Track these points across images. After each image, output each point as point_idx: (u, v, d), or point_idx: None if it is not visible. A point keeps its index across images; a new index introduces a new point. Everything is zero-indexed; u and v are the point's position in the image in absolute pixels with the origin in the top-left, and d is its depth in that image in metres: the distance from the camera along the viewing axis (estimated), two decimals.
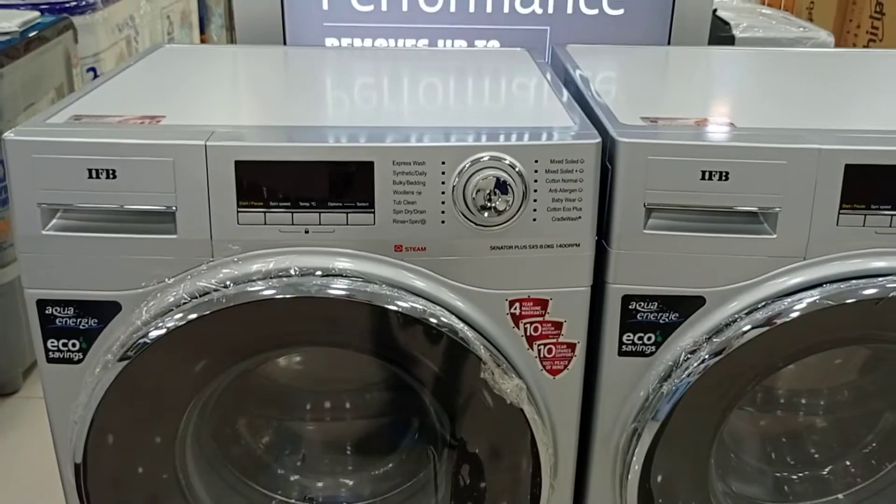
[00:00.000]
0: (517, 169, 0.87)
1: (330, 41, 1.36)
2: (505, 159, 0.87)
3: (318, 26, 1.34)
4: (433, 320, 0.88)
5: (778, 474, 1.13)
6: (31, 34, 1.78)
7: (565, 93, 1.06)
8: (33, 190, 0.85)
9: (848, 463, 1.13)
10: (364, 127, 0.93)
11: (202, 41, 3.12)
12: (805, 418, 1.16)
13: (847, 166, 0.89)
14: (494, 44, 1.37)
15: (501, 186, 0.86)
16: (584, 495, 1.03)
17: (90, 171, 0.85)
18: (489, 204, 0.86)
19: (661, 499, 0.98)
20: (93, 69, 2.21)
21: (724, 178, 0.89)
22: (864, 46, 2.98)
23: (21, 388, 1.79)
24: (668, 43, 1.37)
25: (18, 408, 1.75)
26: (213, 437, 1.02)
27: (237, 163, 0.85)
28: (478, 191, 0.86)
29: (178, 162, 0.85)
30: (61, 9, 2.05)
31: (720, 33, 1.90)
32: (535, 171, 0.88)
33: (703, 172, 0.89)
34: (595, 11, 1.35)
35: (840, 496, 1.11)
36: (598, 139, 0.89)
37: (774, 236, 0.91)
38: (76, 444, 0.90)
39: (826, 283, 0.92)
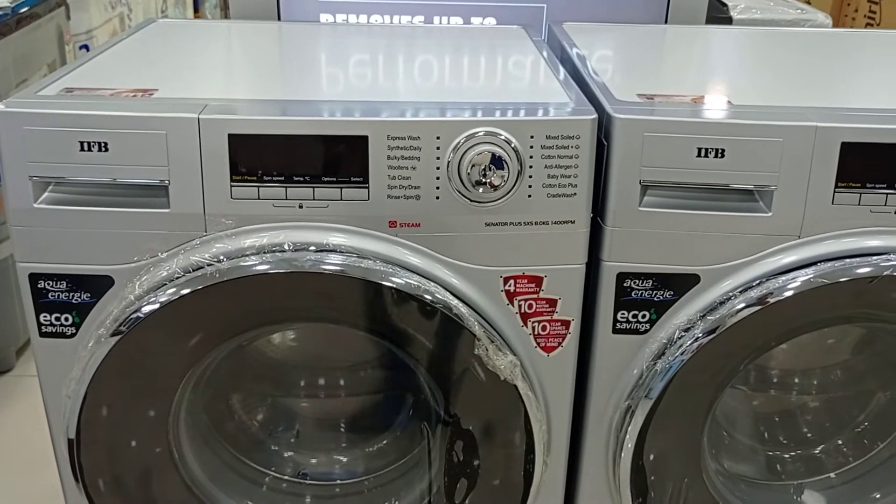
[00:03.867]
0: (512, 144, 0.87)
1: (324, 17, 1.35)
2: (500, 135, 0.87)
3: (313, 2, 1.33)
4: (427, 297, 0.88)
5: (770, 453, 1.14)
6: (22, 10, 1.76)
7: (561, 70, 1.06)
8: (24, 163, 0.85)
9: (840, 442, 1.13)
10: (359, 101, 0.93)
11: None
12: (797, 398, 1.16)
13: (843, 144, 0.88)
14: (491, 21, 1.36)
15: (497, 162, 0.86)
16: (578, 472, 1.03)
17: (82, 143, 0.84)
18: (484, 179, 0.86)
19: (654, 476, 0.98)
20: (85, 46, 2.19)
21: (720, 155, 0.89)
22: None
23: (14, 366, 1.79)
24: (666, 22, 1.36)
25: (12, 386, 1.74)
26: (206, 413, 1.02)
27: (230, 136, 0.84)
28: (473, 166, 0.86)
29: (170, 135, 0.84)
30: None
31: (717, 14, 1.89)
32: (531, 147, 0.88)
33: (699, 149, 0.89)
34: None
35: (832, 475, 1.12)
36: (595, 115, 0.89)
37: (769, 214, 0.91)
38: (69, 419, 0.90)
39: (820, 261, 0.92)
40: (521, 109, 0.91)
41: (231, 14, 1.34)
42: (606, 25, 1.32)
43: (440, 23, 1.36)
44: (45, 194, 0.86)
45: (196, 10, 3.07)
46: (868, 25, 2.98)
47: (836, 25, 2.68)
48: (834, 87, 1.07)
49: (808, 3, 3.07)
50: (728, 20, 1.95)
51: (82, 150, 0.84)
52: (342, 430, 1.12)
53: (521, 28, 1.28)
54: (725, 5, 2.01)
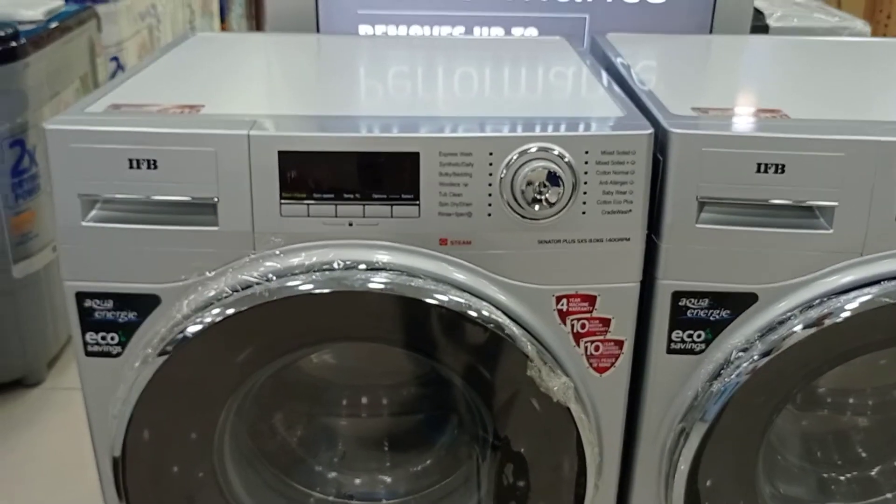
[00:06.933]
0: (566, 160, 0.85)
1: (364, 29, 1.33)
2: (553, 150, 0.85)
3: (352, 14, 1.31)
4: (479, 316, 0.86)
5: (825, 475, 1.11)
6: (55, 23, 1.77)
7: (610, 82, 1.03)
8: (73, 180, 0.83)
9: None
10: (408, 117, 0.91)
11: (222, 30, 3.10)
12: (851, 417, 1.13)
13: None
14: (532, 32, 1.35)
15: (552, 178, 0.84)
16: (629, 495, 1.00)
17: (131, 161, 0.83)
18: (540, 196, 0.84)
19: (709, 501, 0.95)
20: (115, 58, 2.20)
21: (779, 171, 0.87)
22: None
23: (46, 378, 1.79)
24: (711, 32, 1.34)
25: (43, 399, 1.74)
26: (250, 434, 1.01)
27: (280, 153, 0.83)
28: (528, 183, 0.84)
29: (220, 152, 0.83)
30: None
31: (754, 22, 1.86)
32: (586, 163, 0.86)
33: (759, 165, 0.86)
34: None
35: (889, 496, 1.08)
36: (651, 130, 0.87)
37: (831, 231, 0.88)
38: (115, 439, 0.89)
39: (883, 280, 0.89)
40: (575, 124, 0.89)
41: (268, 26, 1.32)
42: (650, 36, 1.29)
43: (481, 34, 1.34)
44: (93, 212, 0.85)
45: (222, 20, 3.07)
46: None
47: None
48: (891, 100, 1.05)
49: (839, 7, 3.04)
50: (764, 28, 1.92)
51: (131, 167, 0.83)
52: (386, 449, 1.10)
53: (563, 38, 1.26)
54: (762, 13, 1.98)
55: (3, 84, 1.58)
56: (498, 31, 1.34)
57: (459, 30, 1.33)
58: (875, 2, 3.02)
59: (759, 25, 1.88)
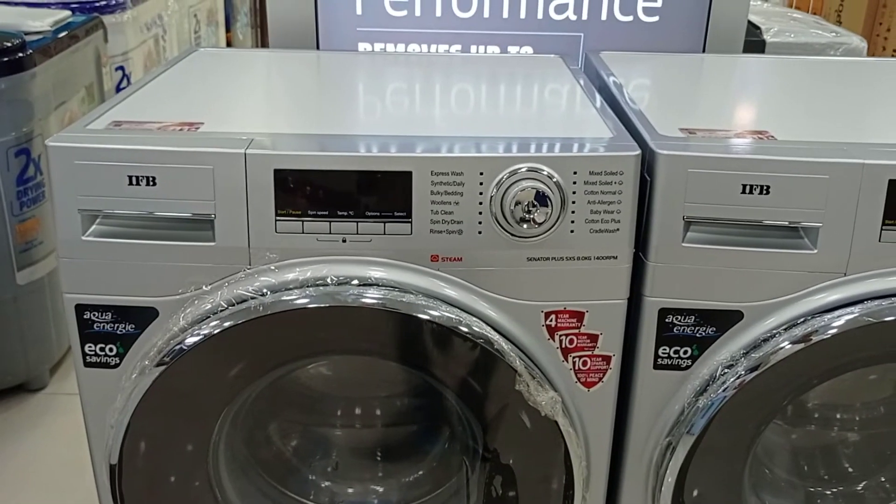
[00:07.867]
0: (555, 180, 0.87)
1: (363, 46, 1.36)
2: (543, 170, 0.87)
3: (352, 31, 1.34)
4: (468, 331, 0.88)
5: (812, 489, 1.12)
6: (62, 34, 1.79)
7: (601, 102, 1.05)
8: (74, 196, 0.86)
9: (883, 479, 1.12)
10: (402, 136, 0.93)
11: (228, 39, 3.13)
12: (839, 433, 1.15)
13: (891, 182, 0.87)
14: (528, 50, 1.37)
15: (541, 199, 0.86)
16: None
17: (130, 177, 0.85)
18: (528, 216, 0.86)
19: None
20: (121, 68, 2.23)
21: (764, 192, 0.89)
22: (895, 50, 2.94)
23: (48, 384, 1.81)
24: (703, 50, 1.36)
25: (45, 404, 1.76)
26: (245, 444, 1.03)
27: (276, 171, 0.85)
28: (517, 203, 0.86)
29: (217, 170, 0.85)
30: (92, 8, 2.07)
31: (751, 38, 1.88)
32: (574, 183, 0.88)
33: (744, 186, 0.88)
34: (629, 18, 1.34)
35: None
36: (638, 151, 0.89)
37: (815, 251, 0.90)
38: (112, 448, 0.91)
39: (867, 299, 0.91)
40: (565, 144, 0.91)
41: (270, 43, 1.35)
42: (644, 55, 1.32)
43: (477, 52, 1.37)
44: (93, 227, 0.88)
45: (227, 29, 3.11)
46: None
47: (868, 44, 2.66)
48: (879, 121, 1.06)
49: (839, 23, 3.05)
50: (761, 43, 1.94)
51: (130, 184, 0.85)
52: (379, 459, 1.12)
53: (558, 57, 1.28)
54: (758, 28, 2.00)
55: (9, 94, 1.60)
56: (494, 50, 1.36)
57: (456, 48, 1.36)
58: (875, 14, 3.04)
59: (756, 41, 1.90)
